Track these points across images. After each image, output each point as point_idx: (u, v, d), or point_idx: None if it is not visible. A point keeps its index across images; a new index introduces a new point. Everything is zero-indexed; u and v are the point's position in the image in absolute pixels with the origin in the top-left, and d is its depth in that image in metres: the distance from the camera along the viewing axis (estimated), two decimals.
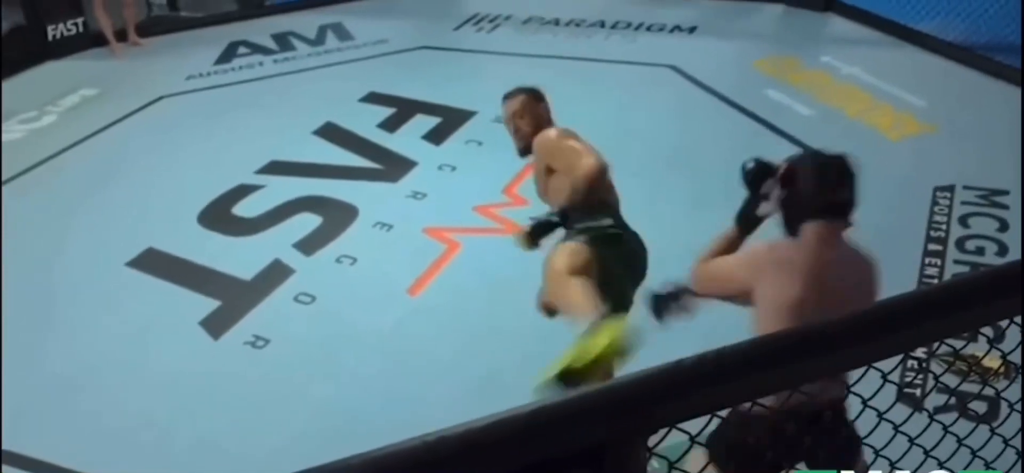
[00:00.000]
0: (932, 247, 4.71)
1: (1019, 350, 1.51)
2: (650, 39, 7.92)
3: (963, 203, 5.05)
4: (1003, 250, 4.65)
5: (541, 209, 5.14)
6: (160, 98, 7.28)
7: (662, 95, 6.79)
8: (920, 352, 3.82)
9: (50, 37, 8.15)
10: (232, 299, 4.70)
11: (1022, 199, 4.90)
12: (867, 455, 1.57)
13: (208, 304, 4.67)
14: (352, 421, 3.81)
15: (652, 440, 1.10)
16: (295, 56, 8.08)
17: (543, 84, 5.71)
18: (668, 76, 7.07)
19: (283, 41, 8.37)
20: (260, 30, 8.59)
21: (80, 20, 8.31)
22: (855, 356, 1.22)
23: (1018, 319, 1.39)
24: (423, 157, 6.02)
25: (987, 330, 1.53)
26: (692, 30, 7.96)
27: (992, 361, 3.47)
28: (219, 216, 5.47)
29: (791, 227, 2.70)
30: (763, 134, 5.95)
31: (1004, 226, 4.84)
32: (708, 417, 1.16)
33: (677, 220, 5.19)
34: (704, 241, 4.95)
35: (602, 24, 8.22)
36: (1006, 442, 1.70)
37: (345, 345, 4.34)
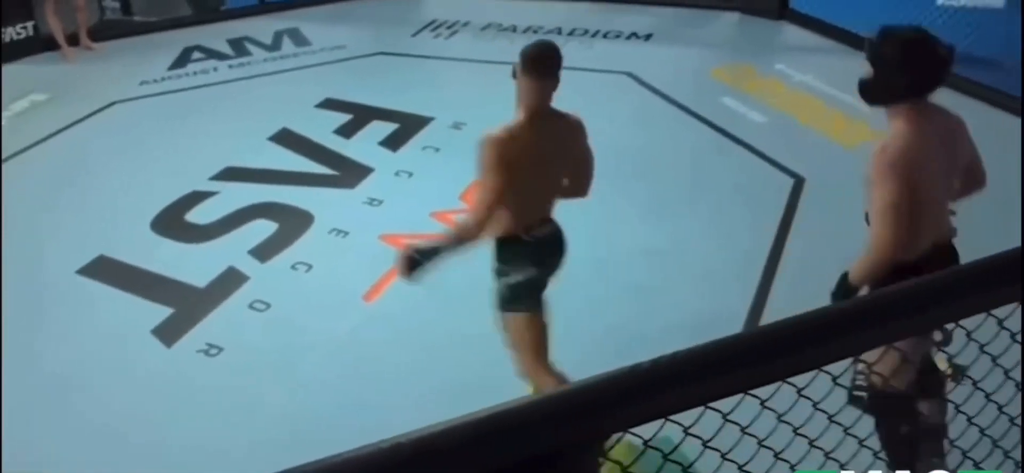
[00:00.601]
0: None
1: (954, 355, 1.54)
2: (607, 46, 7.97)
3: None
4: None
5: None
6: (112, 103, 7.18)
7: (619, 102, 6.83)
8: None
9: None
10: (185, 307, 4.65)
11: (1021, 204, 4.97)
12: (816, 458, 1.60)
13: (160, 312, 4.61)
14: (308, 429, 3.78)
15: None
16: (251, 62, 8.02)
17: (500, 91, 5.67)
18: (625, 83, 7.12)
19: (239, 46, 8.30)
20: (215, 35, 8.51)
21: (30, 23, 8.18)
22: (805, 359, 1.24)
23: (967, 323, 1.42)
24: (380, 163, 6.00)
25: (935, 334, 1.56)
26: (648, 37, 8.02)
27: (941, 362, 3.53)
28: (172, 223, 5.41)
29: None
30: (718, 140, 6.01)
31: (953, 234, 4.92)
32: (661, 421, 1.16)
33: (635, 224, 5.23)
34: (661, 244, 5.03)
35: (559, 31, 8.26)
36: (952, 443, 1.73)
37: (300, 352, 4.31)
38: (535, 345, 3.51)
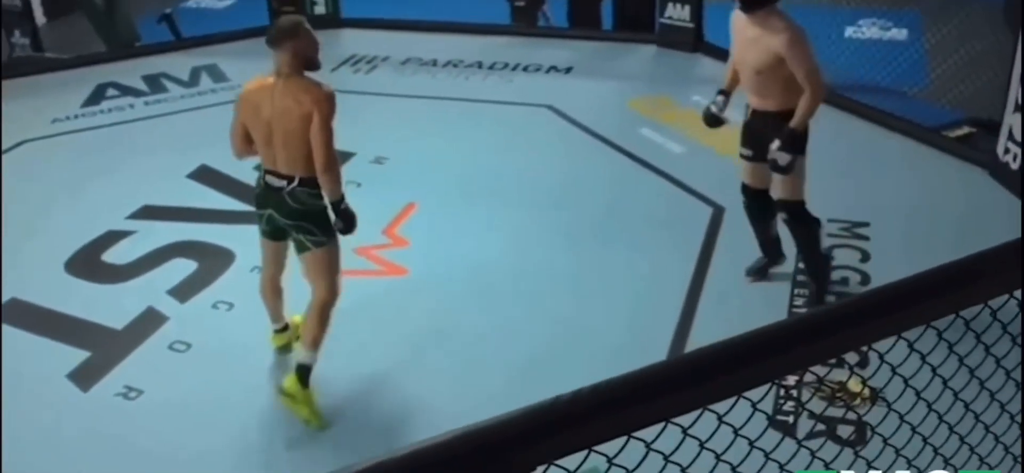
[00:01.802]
0: (800, 278, 4.90)
1: (887, 373, 1.59)
2: (527, 79, 8.04)
3: (827, 235, 5.27)
4: (866, 279, 4.87)
5: (422, 252, 5.17)
6: (22, 142, 6.99)
7: (539, 134, 6.89)
8: (789, 380, 3.97)
9: None
10: (102, 350, 4.53)
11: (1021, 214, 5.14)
12: None
13: (77, 355, 4.48)
14: (231, 471, 3.71)
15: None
16: (168, 98, 7.89)
17: (422, 124, 5.73)
18: (545, 115, 7.19)
19: (155, 83, 8.16)
20: (130, 72, 8.35)
21: None
22: (726, 386, 1.26)
23: (880, 346, 1.47)
24: None
25: (851, 356, 1.61)
26: (568, 71, 8.11)
27: (856, 385, 3.62)
28: (88, 264, 5.28)
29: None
30: (637, 171, 6.10)
31: (866, 256, 5.08)
32: (586, 452, 1.18)
33: (555, 253, 5.27)
34: (579, 272, 5.09)
35: (480, 65, 8.31)
36: (869, 464, 1.78)
37: (223, 393, 4.23)
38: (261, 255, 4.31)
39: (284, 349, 4.49)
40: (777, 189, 4.53)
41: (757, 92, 4.45)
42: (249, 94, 4.02)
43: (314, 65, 4.07)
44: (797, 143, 4.35)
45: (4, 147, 6.86)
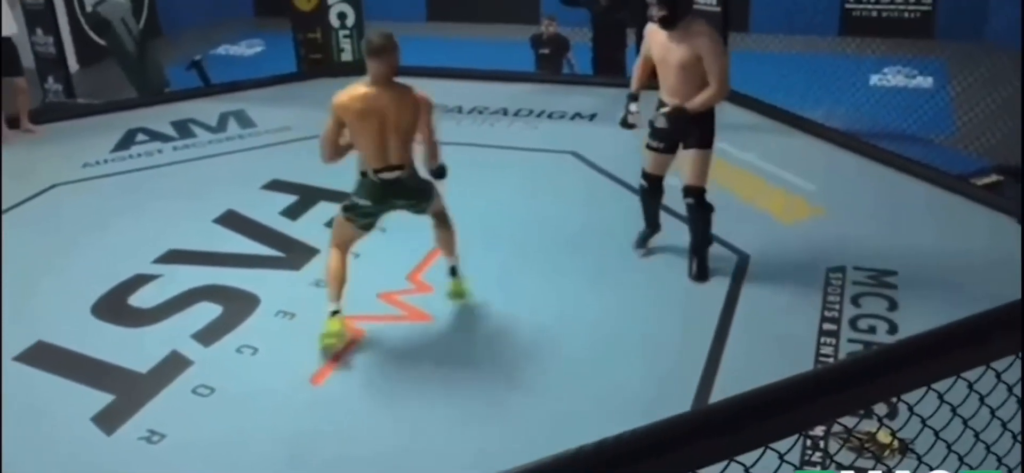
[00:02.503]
0: (827, 327, 4.85)
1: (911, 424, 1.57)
2: (552, 126, 8.08)
3: (854, 283, 5.23)
4: (894, 328, 4.81)
5: (446, 298, 5.19)
6: (52, 186, 7.08)
7: (564, 180, 6.91)
8: (817, 431, 3.91)
9: None
10: (127, 393, 4.54)
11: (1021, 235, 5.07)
12: None
13: (101, 398, 4.50)
14: None
15: None
16: (195, 143, 7.98)
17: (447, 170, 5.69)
18: (570, 162, 7.21)
19: (183, 128, 8.26)
20: (160, 117, 8.47)
21: None
22: (753, 436, 1.25)
23: (910, 397, 1.44)
24: (326, 244, 5.95)
25: (880, 407, 1.59)
26: (592, 117, 8.15)
27: (885, 437, 3.57)
28: (114, 307, 5.31)
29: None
30: (661, 217, 6.08)
31: (893, 305, 5.02)
32: None
33: (578, 300, 5.25)
34: (603, 314, 5.08)
35: (505, 112, 8.36)
36: None
37: (246, 438, 4.22)
38: (339, 238, 4.93)
39: (331, 339, 4.76)
40: (692, 177, 5.26)
41: (675, 92, 5.12)
42: (351, 102, 4.57)
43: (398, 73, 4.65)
44: (706, 137, 5.18)
45: (35, 191, 6.96)
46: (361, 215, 4.80)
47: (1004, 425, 1.79)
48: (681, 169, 5.36)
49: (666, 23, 4.97)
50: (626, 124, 5.46)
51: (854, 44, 9.46)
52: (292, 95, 9.11)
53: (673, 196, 6.17)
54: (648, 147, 5.47)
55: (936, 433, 1.71)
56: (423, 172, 4.82)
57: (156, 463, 4.11)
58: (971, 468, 1.84)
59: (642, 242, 5.73)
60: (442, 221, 5.06)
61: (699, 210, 5.37)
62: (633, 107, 5.42)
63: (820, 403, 1.33)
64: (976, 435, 1.80)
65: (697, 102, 5.05)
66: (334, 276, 4.84)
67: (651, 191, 5.61)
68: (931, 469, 1.78)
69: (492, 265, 5.57)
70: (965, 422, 1.71)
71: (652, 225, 5.74)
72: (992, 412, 1.74)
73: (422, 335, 5.02)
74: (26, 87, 8.20)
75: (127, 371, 4.71)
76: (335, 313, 4.81)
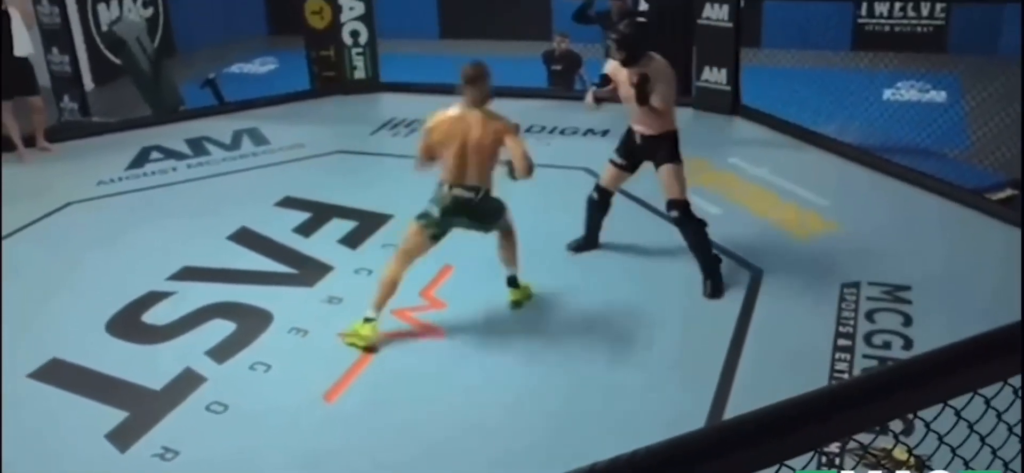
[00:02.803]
0: (841, 342, 4.83)
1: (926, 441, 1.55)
2: (564, 142, 8.08)
3: (868, 299, 5.21)
4: (908, 344, 4.79)
5: (459, 315, 5.19)
6: (68, 204, 7.12)
7: (576, 196, 6.87)
8: (833, 447, 3.88)
9: None
10: (140, 410, 4.55)
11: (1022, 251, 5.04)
12: None
13: (115, 415, 4.51)
14: None
15: None
16: (209, 161, 8.02)
17: None
18: (582, 178, 7.19)
19: (197, 146, 8.30)
20: (174, 135, 8.52)
21: None
22: (767, 454, 1.24)
23: (926, 414, 1.43)
24: (339, 261, 5.99)
25: (896, 423, 1.58)
26: (605, 133, 8.13)
27: (901, 453, 3.54)
28: (128, 324, 5.33)
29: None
30: (674, 233, 6.06)
31: (908, 320, 5.00)
32: None
33: (591, 315, 5.25)
34: (615, 334, 5.07)
35: (517, 128, 8.34)
36: None
37: (259, 455, 4.23)
38: (408, 247, 5.10)
39: (354, 339, 4.98)
40: (669, 191, 5.52)
41: (640, 120, 5.53)
42: (440, 123, 4.97)
43: (490, 100, 5.01)
44: (673, 152, 5.54)
45: (50, 209, 7.01)
46: (432, 224, 5.00)
47: (1023, 442, 1.77)
48: (661, 188, 5.63)
49: (627, 63, 5.40)
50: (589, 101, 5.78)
51: (867, 59, 9.45)
52: (305, 113, 9.15)
53: None
54: (611, 162, 5.85)
55: (953, 450, 1.69)
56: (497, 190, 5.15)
57: None
58: None
59: (576, 247, 6.03)
60: (507, 235, 5.32)
61: (687, 223, 5.52)
62: (589, 99, 5.74)
63: (835, 420, 1.32)
64: (994, 452, 1.78)
65: (656, 104, 5.38)
66: (387, 284, 5.02)
67: (599, 204, 5.96)
68: None
69: (504, 281, 5.56)
70: (982, 439, 1.70)
71: (591, 241, 6.03)
72: (1010, 429, 1.73)
73: (435, 351, 5.02)
74: (42, 106, 8.26)
75: (141, 388, 4.72)
76: (370, 320, 4.97)
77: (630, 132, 5.71)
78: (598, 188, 5.94)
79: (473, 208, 4.98)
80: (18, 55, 7.88)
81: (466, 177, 4.91)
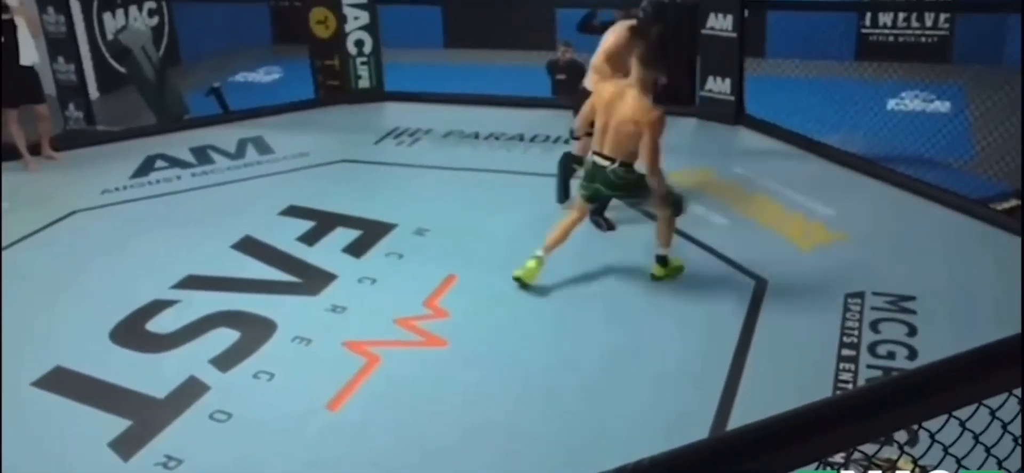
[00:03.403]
0: (846, 353, 4.82)
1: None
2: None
3: (873, 308, 5.20)
4: (913, 354, 4.77)
5: (462, 324, 5.19)
6: (72, 212, 7.14)
7: None
8: (836, 458, 3.87)
9: None
10: (144, 418, 4.55)
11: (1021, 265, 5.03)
12: None
13: (118, 424, 4.51)
14: None
15: None
16: (214, 169, 8.03)
17: (463, 196, 5.78)
18: None
19: (202, 154, 8.32)
20: (178, 144, 8.53)
21: None
22: (771, 464, 1.23)
23: (931, 424, 1.42)
24: (343, 270, 5.99)
25: (900, 434, 1.57)
26: None
27: (906, 464, 3.53)
28: (132, 332, 5.34)
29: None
30: (679, 243, 6.07)
31: (913, 331, 4.98)
32: None
33: (595, 325, 5.24)
34: (619, 339, 5.07)
35: (521, 137, 8.37)
36: None
37: (262, 463, 4.22)
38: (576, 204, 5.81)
39: (523, 273, 5.55)
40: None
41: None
42: (602, 90, 5.49)
43: (654, 90, 5.37)
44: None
45: (55, 218, 7.02)
46: (582, 186, 5.63)
47: None
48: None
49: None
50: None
51: (871, 69, 9.45)
52: (310, 122, 9.17)
53: (687, 219, 6.17)
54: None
55: (958, 461, 1.69)
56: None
57: None
58: None
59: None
60: (661, 212, 5.63)
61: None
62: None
63: (840, 430, 1.32)
64: (999, 463, 1.78)
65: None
66: (558, 229, 5.66)
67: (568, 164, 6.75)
68: None
69: (509, 291, 5.56)
70: (987, 450, 1.69)
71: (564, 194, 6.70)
72: (1015, 440, 1.72)
73: (438, 361, 5.01)
74: (48, 114, 8.29)
75: (144, 396, 4.72)
76: (538, 258, 5.57)
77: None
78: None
79: (604, 175, 5.41)
80: (24, 64, 7.91)
81: (603, 146, 5.39)
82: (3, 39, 7.76)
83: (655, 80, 5.34)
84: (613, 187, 5.48)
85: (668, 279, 5.66)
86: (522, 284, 5.55)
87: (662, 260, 5.68)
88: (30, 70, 8.02)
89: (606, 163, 5.38)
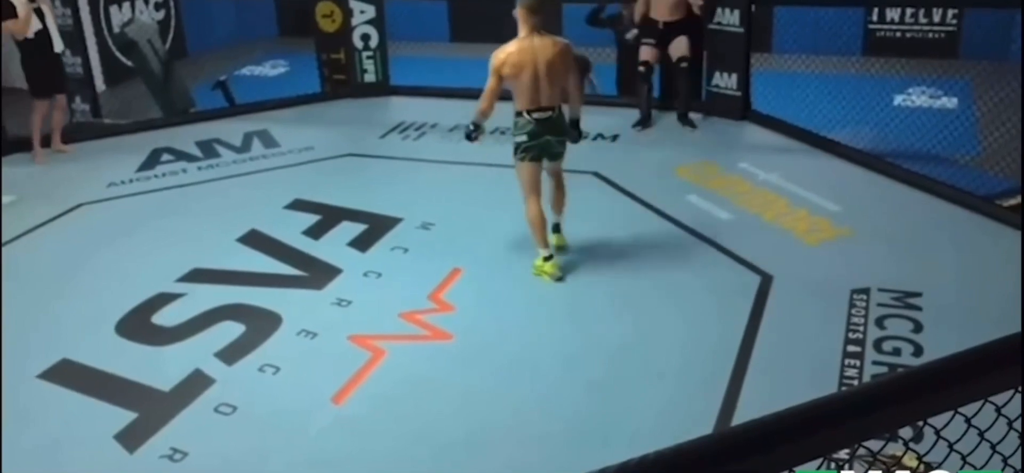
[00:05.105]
0: (851, 349, 4.81)
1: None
2: (574, 147, 8.05)
3: (879, 305, 5.19)
4: (919, 351, 4.77)
5: (467, 318, 5.19)
6: (79, 205, 7.15)
7: (586, 201, 6.88)
8: (841, 454, 3.87)
9: None
10: (149, 411, 4.57)
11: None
12: None
13: (124, 416, 4.52)
14: None
15: None
16: (220, 163, 8.03)
17: (468, 190, 5.76)
18: (592, 182, 7.20)
19: (207, 148, 8.32)
20: (185, 137, 8.54)
21: None
22: (775, 460, 1.23)
23: (936, 421, 1.42)
24: (348, 264, 5.99)
25: (905, 430, 1.57)
26: (615, 138, 8.14)
27: (911, 460, 3.52)
28: (138, 326, 5.35)
29: None
30: (684, 238, 6.07)
31: (918, 327, 4.98)
32: None
33: (600, 320, 5.24)
34: (624, 334, 5.06)
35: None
36: None
37: (267, 456, 4.23)
38: (527, 182, 5.62)
39: (543, 273, 5.63)
40: (680, 51, 8.01)
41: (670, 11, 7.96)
42: (509, 55, 5.38)
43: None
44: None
45: (61, 210, 7.04)
46: (525, 150, 5.51)
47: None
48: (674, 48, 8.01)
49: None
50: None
51: (878, 64, 9.42)
52: (315, 116, 9.17)
53: (693, 214, 6.17)
54: (645, 44, 8.10)
55: (963, 458, 1.68)
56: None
57: None
58: None
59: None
60: (560, 179, 5.82)
61: (691, 71, 8.12)
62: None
63: (845, 426, 1.31)
64: (1004, 460, 1.78)
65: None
66: (535, 223, 5.60)
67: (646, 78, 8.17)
68: None
69: (514, 285, 5.56)
70: (993, 446, 1.69)
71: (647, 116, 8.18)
72: (1021, 436, 1.72)
73: (444, 355, 5.02)
74: (65, 105, 8.30)
75: (150, 389, 4.73)
76: (548, 258, 5.61)
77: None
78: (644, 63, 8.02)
79: (553, 124, 5.50)
80: (57, 51, 7.96)
81: (540, 100, 5.40)
82: (42, 26, 7.79)
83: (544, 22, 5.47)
84: (562, 132, 5.60)
85: (564, 248, 5.91)
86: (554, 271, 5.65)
87: (558, 227, 5.95)
88: (59, 58, 8.06)
89: (548, 113, 5.47)
